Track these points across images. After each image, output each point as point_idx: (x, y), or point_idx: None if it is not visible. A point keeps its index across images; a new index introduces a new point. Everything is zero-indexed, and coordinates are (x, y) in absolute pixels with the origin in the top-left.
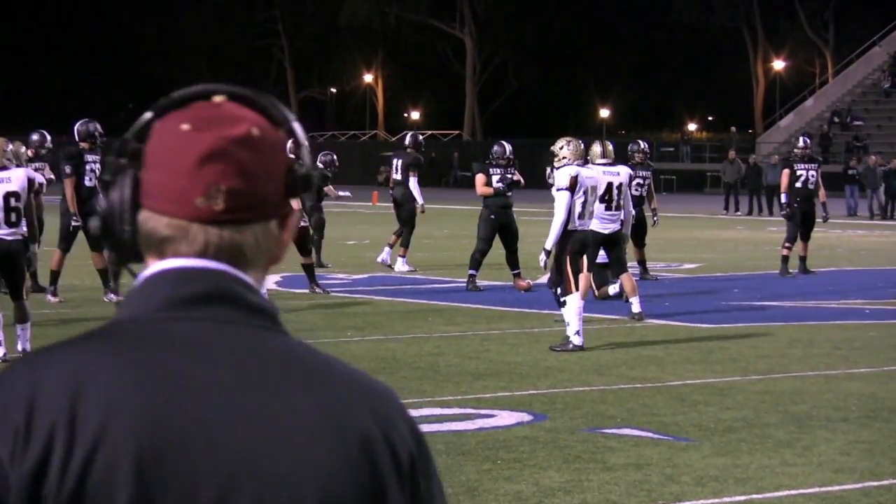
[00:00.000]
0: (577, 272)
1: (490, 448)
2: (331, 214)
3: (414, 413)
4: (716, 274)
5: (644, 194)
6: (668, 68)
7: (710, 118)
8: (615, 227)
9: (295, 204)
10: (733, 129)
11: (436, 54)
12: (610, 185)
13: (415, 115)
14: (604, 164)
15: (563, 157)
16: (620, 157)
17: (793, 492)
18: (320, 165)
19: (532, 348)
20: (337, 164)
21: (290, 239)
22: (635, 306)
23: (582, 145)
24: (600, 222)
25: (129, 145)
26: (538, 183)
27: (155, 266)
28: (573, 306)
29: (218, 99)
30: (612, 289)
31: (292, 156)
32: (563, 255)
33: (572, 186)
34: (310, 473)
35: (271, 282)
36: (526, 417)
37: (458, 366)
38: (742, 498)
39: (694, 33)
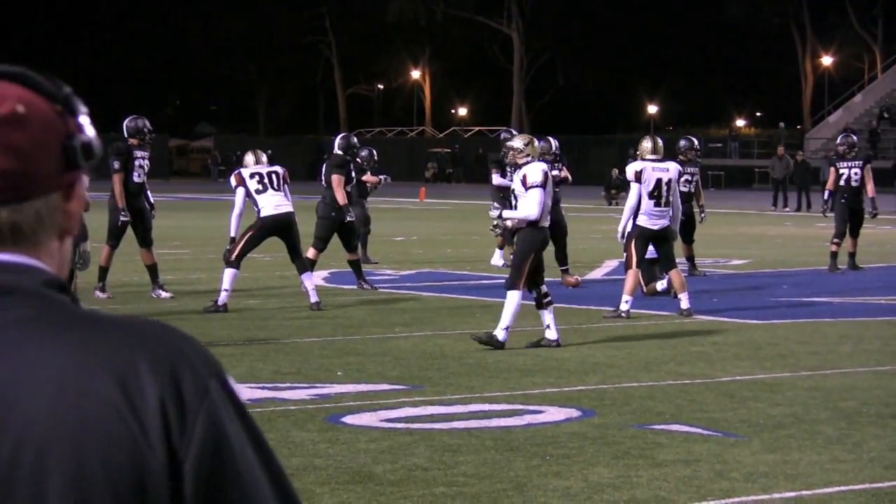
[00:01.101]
0: (533, 269)
1: (539, 444)
2: (378, 210)
3: (462, 409)
4: (764, 270)
5: (692, 191)
6: (717, 64)
7: (758, 114)
8: (664, 223)
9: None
10: (781, 124)
11: (483, 50)
12: (659, 181)
13: (462, 111)
14: (653, 161)
15: (528, 155)
16: (669, 153)
17: (843, 488)
18: (358, 160)
19: (580, 344)
20: (376, 158)
21: (79, 208)
22: (684, 302)
23: (538, 143)
24: (649, 218)
25: None
26: (586, 179)
27: None
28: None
29: None
30: (661, 285)
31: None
32: (529, 252)
33: (545, 183)
34: (54, 444)
35: (319, 278)
36: (574, 413)
37: (506, 362)
38: (792, 494)
39: (742, 29)
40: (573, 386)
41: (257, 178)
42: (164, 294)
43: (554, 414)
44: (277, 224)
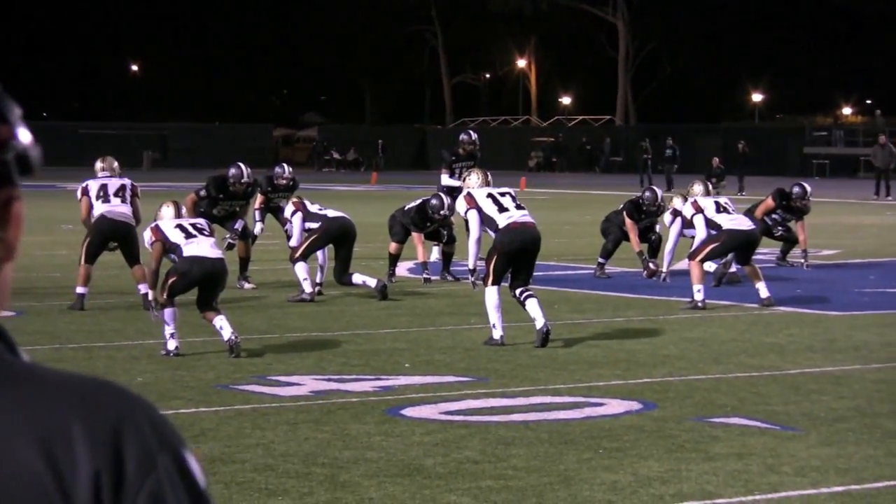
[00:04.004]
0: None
1: (594, 437)
2: None
3: (523, 401)
4: (854, 260)
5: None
6: (823, 51)
7: (867, 101)
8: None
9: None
10: (878, 112)
11: (589, 39)
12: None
13: (566, 101)
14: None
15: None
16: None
17: (893, 482)
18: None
19: (654, 336)
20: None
21: (18, 233)
22: (763, 291)
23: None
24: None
25: None
26: (691, 167)
27: None
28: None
29: None
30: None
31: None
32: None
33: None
34: None
35: (403, 268)
36: (635, 406)
37: (577, 354)
38: (840, 489)
39: (850, 15)
40: (639, 378)
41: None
42: (247, 285)
43: (615, 407)
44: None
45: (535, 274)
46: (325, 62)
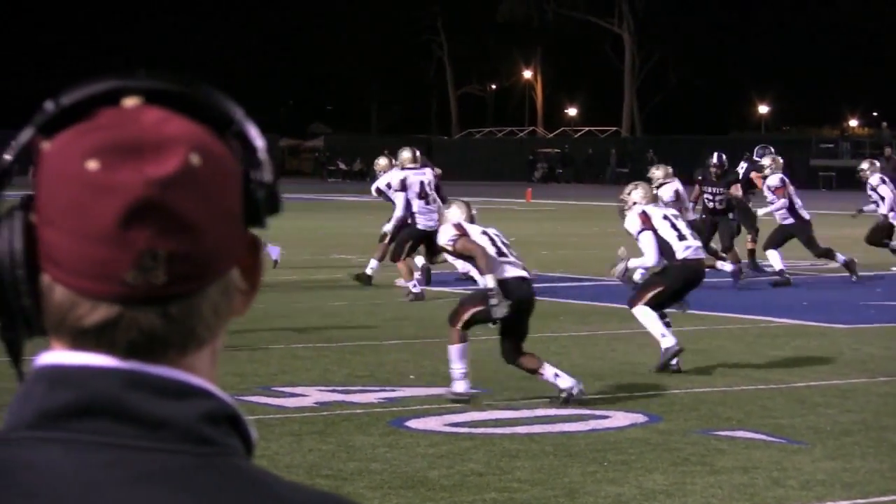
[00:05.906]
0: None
1: (598, 450)
2: (483, 212)
3: (528, 414)
4: (861, 273)
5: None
6: (830, 63)
7: (874, 113)
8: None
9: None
10: (884, 124)
11: (595, 50)
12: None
13: (572, 112)
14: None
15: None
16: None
17: None
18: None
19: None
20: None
21: (258, 288)
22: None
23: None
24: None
25: (7, 173)
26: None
27: (43, 357)
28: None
29: (131, 102)
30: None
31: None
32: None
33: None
34: None
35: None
36: (640, 419)
37: (582, 366)
38: (846, 503)
39: (857, 27)
40: (644, 391)
41: None
42: None
43: (620, 419)
44: None
45: (542, 285)
46: (332, 72)
